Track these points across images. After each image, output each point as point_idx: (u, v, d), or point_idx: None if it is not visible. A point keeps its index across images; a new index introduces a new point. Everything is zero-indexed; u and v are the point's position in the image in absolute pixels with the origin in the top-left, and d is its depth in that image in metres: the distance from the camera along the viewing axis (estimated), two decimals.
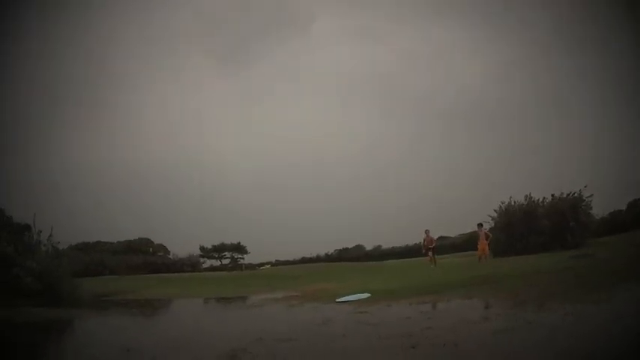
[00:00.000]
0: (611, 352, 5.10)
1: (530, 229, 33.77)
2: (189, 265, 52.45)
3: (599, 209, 37.49)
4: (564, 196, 35.35)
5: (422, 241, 31.48)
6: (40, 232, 21.30)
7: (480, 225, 28.55)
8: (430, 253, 30.27)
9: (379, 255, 57.58)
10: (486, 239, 26.33)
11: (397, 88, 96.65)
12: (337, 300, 14.11)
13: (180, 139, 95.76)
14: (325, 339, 8.10)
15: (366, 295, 14.03)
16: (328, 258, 59.89)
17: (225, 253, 71.13)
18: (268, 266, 54.24)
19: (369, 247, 66.65)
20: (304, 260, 57.57)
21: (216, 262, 68.79)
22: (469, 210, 74.47)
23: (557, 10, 78.07)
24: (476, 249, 33.76)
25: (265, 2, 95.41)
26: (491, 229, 29.68)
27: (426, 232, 30.88)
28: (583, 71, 77.11)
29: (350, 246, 67.09)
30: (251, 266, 60.07)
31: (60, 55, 79.37)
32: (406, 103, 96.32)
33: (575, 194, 34.92)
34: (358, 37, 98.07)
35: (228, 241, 70.40)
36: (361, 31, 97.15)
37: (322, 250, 64.30)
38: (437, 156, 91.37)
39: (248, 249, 71.01)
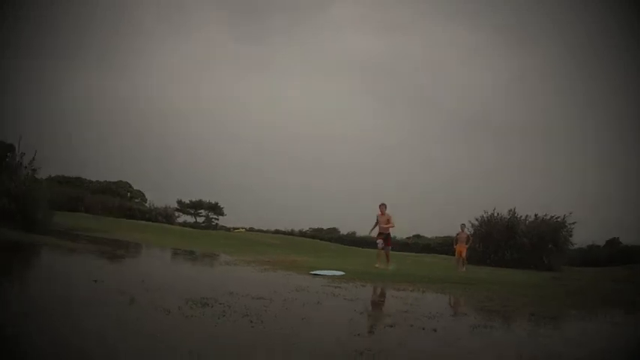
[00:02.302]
0: None
1: (509, 244, 33.89)
2: (163, 215, 52.11)
3: (578, 239, 37.51)
4: (548, 217, 35.45)
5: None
6: (23, 154, 20.99)
7: (463, 226, 27.06)
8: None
9: (352, 241, 57.46)
10: (466, 242, 25.54)
11: (404, 84, 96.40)
12: (311, 272, 13.86)
13: (176, 89, 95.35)
14: (298, 304, 7.94)
15: (340, 273, 13.82)
16: (302, 235, 59.77)
17: (202, 210, 71.12)
18: (243, 230, 54.08)
19: (343, 231, 66.71)
20: (278, 232, 57.44)
21: (190, 219, 68.62)
22: (450, 214, 74.52)
23: (568, 32, 78.30)
24: (450, 254, 33.75)
25: None
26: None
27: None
28: (592, 101, 77.43)
29: (325, 227, 67.16)
30: (225, 229, 59.99)
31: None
32: (410, 100, 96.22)
33: (559, 219, 35.01)
34: (373, 28, 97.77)
35: (206, 199, 70.44)
36: (377, 23, 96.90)
37: (297, 227, 64.21)
38: (430, 155, 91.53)
39: (225, 211, 71.04)
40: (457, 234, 26.04)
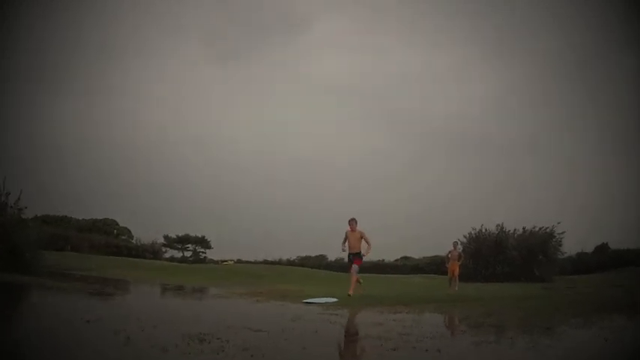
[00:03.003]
0: None
1: (498, 259, 33.97)
2: (151, 252, 51.97)
3: (567, 249, 37.76)
4: (536, 230, 35.59)
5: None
6: (8, 194, 20.88)
7: (455, 243, 26.80)
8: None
9: (341, 267, 57.31)
10: (458, 260, 25.35)
11: (391, 103, 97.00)
12: (304, 301, 13.85)
13: (160, 126, 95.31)
14: (297, 333, 7.86)
15: (333, 300, 13.88)
16: (289, 263, 59.58)
17: (189, 245, 71.15)
18: (231, 262, 53.92)
19: (331, 258, 66.67)
20: (266, 262, 57.30)
21: (178, 254, 68.56)
22: (436, 233, 74.62)
23: (562, 44, 79.04)
24: (439, 273, 33.70)
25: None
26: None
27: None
28: (582, 111, 78.09)
29: (312, 254, 67.09)
30: (213, 262, 59.90)
31: (53, 20, 78.83)
32: (396, 119, 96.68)
33: (548, 229, 35.16)
34: (357, 46, 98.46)
35: (192, 233, 70.38)
36: (361, 41, 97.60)
37: (284, 255, 64.08)
38: (414, 175, 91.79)
39: (211, 244, 71.00)
40: (449, 252, 25.77)
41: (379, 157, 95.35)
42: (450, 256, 25.43)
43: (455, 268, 24.64)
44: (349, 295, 15.60)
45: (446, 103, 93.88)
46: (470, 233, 37.14)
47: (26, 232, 19.84)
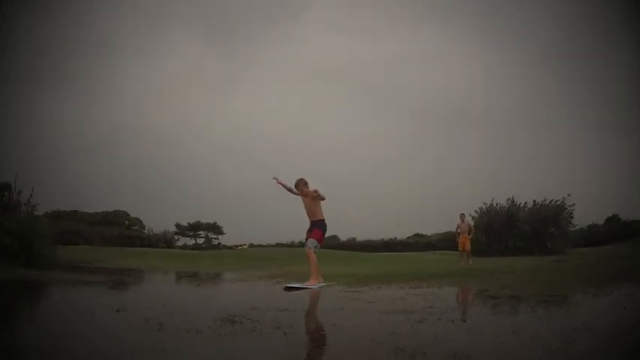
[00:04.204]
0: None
1: (510, 233, 34.07)
2: (163, 241, 52.25)
3: (578, 221, 37.81)
4: (547, 202, 35.68)
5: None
6: (20, 192, 21.11)
7: (462, 216, 26.72)
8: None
9: (353, 247, 57.54)
10: (469, 233, 25.28)
11: (386, 86, 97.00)
12: (286, 285, 12.72)
13: (163, 114, 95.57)
14: (323, 311, 8.05)
15: (319, 285, 12.65)
16: (302, 245, 59.60)
17: (201, 232, 71.54)
18: (245, 246, 54.04)
19: (343, 238, 66.79)
20: (279, 245, 57.41)
21: (190, 241, 68.78)
22: (447, 209, 74.62)
23: (560, 19, 78.78)
24: (452, 249, 33.76)
25: None
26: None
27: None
28: (581, 85, 77.94)
29: (325, 235, 67.24)
30: (226, 247, 59.98)
31: (53, 20, 78.84)
32: (395, 99, 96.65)
33: (558, 202, 35.24)
34: (350, 31, 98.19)
35: (204, 220, 70.50)
36: (354, 26, 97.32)
37: (297, 238, 64.29)
38: (420, 154, 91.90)
39: (224, 230, 71.10)
40: (457, 225, 25.84)
41: (382, 138, 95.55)
42: (459, 230, 25.44)
43: (465, 241, 24.66)
44: (310, 288, 12.05)
45: (445, 80, 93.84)
46: (481, 208, 37.25)
47: (40, 229, 20.08)
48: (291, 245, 57.61)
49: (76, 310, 9.20)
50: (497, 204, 37.00)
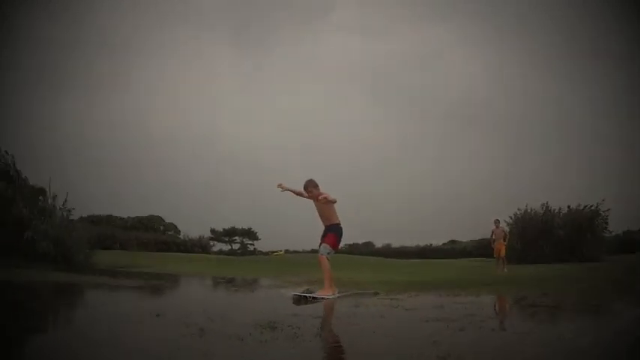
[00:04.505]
0: None
1: (545, 239, 33.82)
2: (199, 246, 52.76)
3: (613, 227, 37.39)
4: (581, 208, 35.41)
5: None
6: (55, 196, 21.46)
7: (497, 221, 26.42)
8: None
9: (388, 253, 57.50)
10: (504, 240, 25.05)
11: (409, 86, 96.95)
12: (294, 293, 12.21)
13: (197, 119, 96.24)
14: (363, 319, 8.03)
15: (329, 296, 11.74)
16: (337, 252, 59.64)
17: (236, 237, 71.81)
18: (282, 252, 54.11)
19: (378, 244, 66.83)
20: (314, 252, 57.43)
21: (225, 247, 69.16)
22: (481, 216, 74.36)
23: (571, 14, 78.18)
24: (487, 256, 33.58)
25: None
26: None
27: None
28: (617, 85, 77.05)
29: (360, 242, 67.23)
30: (262, 253, 60.16)
31: (78, 23, 79.98)
32: (423, 101, 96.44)
33: (593, 207, 34.96)
34: (372, 31, 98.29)
35: (239, 225, 70.72)
36: (375, 26, 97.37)
37: None
38: (451, 158, 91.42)
39: (258, 235, 71.30)
40: (492, 231, 25.65)
41: (413, 142, 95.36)
42: (493, 236, 25.26)
43: (500, 247, 24.40)
44: (326, 299, 11.21)
45: (475, 82, 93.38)
46: (515, 214, 37.06)
47: (76, 233, 20.39)
48: None
49: (115, 314, 9.24)
50: (531, 209, 36.83)
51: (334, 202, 11.79)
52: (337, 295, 11.69)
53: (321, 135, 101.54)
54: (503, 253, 24.49)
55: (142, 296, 13.07)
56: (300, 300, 11.19)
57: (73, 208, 22.39)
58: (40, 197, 22.14)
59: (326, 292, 11.53)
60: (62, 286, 14.18)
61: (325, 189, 11.80)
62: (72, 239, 20.37)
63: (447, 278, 16.97)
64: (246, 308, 10.44)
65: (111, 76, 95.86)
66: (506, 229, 29.42)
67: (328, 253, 11.85)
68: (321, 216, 12.13)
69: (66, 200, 21.83)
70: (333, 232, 11.98)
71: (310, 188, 11.92)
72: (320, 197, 11.57)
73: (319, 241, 12.14)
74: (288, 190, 12.55)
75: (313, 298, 11.27)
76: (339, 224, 12.15)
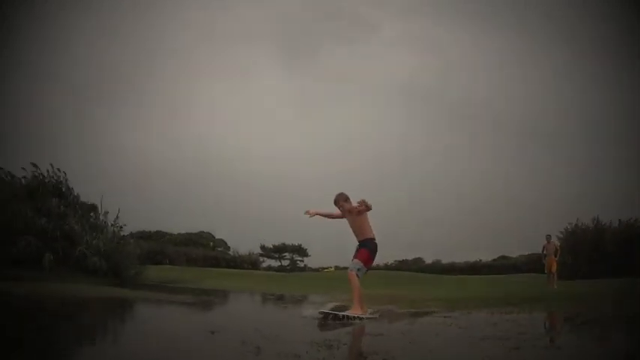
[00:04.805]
0: None
1: (596, 254, 33.36)
2: (249, 262, 53.07)
3: None
4: (632, 221, 34.92)
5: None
6: (107, 213, 21.90)
7: (549, 237, 26.38)
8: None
9: (438, 269, 57.23)
10: (555, 255, 24.88)
11: (458, 100, 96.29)
12: (321, 311, 11.39)
13: (247, 136, 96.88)
14: (418, 336, 8.04)
15: (366, 316, 10.97)
16: (387, 268, 59.59)
17: (286, 254, 71.77)
18: (332, 269, 54.04)
19: (428, 260, 66.54)
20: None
21: (275, 263, 69.39)
22: (530, 230, 73.46)
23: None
24: (537, 271, 33.26)
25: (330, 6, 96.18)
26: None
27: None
28: None
29: (409, 258, 67.03)
30: (312, 270, 60.22)
31: (128, 42, 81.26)
32: (466, 114, 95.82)
33: None
34: (419, 47, 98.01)
35: (289, 242, 70.87)
36: (423, 41, 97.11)
37: (381, 260, 64.16)
38: (502, 173, 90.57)
39: (308, 252, 71.33)
40: (544, 246, 25.49)
41: (458, 156, 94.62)
42: (545, 251, 25.10)
43: (552, 263, 24.25)
44: (356, 318, 10.36)
45: (517, 94, 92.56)
46: (566, 228, 36.69)
47: (127, 249, 20.78)
48: (376, 268, 57.69)
49: (171, 330, 9.42)
50: (582, 224, 36.46)
51: (370, 208, 10.87)
52: (368, 315, 10.87)
53: (367, 150, 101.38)
54: (554, 268, 24.33)
55: (193, 312, 13.25)
56: (327, 318, 10.62)
57: (125, 225, 22.83)
58: (92, 214, 22.57)
59: (356, 311, 10.60)
60: (113, 301, 14.43)
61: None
62: (123, 255, 20.74)
63: (499, 295, 16.78)
64: (299, 326, 10.38)
65: (158, 93, 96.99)
66: (557, 243, 29.21)
67: (359, 270, 10.83)
68: (354, 231, 11.19)
69: (117, 217, 22.26)
70: (366, 247, 11.02)
71: (342, 202, 11.16)
72: (355, 207, 10.88)
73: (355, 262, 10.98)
74: (318, 214, 11.56)
75: (343, 317, 10.53)
76: (374, 239, 11.18)
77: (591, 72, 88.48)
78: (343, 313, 10.57)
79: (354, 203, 11.01)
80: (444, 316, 10.81)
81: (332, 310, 11.29)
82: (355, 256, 10.92)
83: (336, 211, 11.33)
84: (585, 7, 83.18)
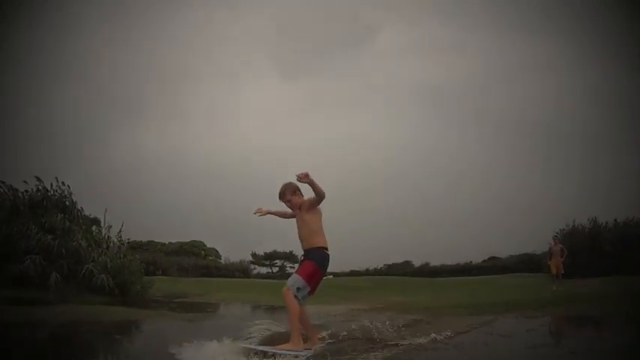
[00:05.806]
0: None
1: (595, 254, 33.40)
2: (240, 270, 52.84)
3: None
4: (630, 220, 35.04)
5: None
6: (110, 227, 21.55)
7: (556, 238, 26.79)
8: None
9: (428, 272, 57.15)
10: (561, 256, 24.90)
11: (461, 104, 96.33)
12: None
13: (236, 143, 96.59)
14: (470, 348, 7.92)
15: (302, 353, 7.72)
16: (377, 272, 59.49)
17: (277, 261, 71.66)
18: (331, 277, 53.68)
19: (417, 263, 66.44)
20: (353, 273, 57.27)
21: (264, 270, 69.36)
22: (523, 231, 73.57)
23: None
24: (529, 271, 33.36)
25: (332, 11, 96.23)
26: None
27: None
28: None
29: (398, 261, 66.89)
30: None
31: (133, 55, 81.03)
32: (474, 118, 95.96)
33: None
34: (419, 48, 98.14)
35: (280, 249, 70.86)
36: (424, 46, 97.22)
37: (371, 265, 64.06)
38: (492, 172, 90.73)
39: (299, 259, 71.25)
40: (550, 247, 25.56)
41: (458, 158, 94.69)
42: (552, 251, 25.13)
43: (558, 264, 24.26)
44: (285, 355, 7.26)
45: (527, 96, 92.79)
46: (562, 229, 36.75)
47: (135, 265, 20.49)
48: (366, 273, 57.57)
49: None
50: (579, 225, 36.55)
51: (322, 194, 7.91)
52: (308, 352, 7.62)
53: (366, 155, 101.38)
54: (561, 269, 24.36)
55: (202, 330, 13.01)
56: (250, 354, 7.43)
57: (129, 239, 22.56)
58: (94, 227, 22.27)
59: (292, 347, 7.44)
60: (122, 319, 14.10)
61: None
62: (129, 271, 20.43)
63: (521, 299, 16.64)
64: None
65: (160, 104, 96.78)
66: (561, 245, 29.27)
67: (298, 290, 7.62)
68: (301, 235, 8.22)
69: (121, 230, 21.97)
70: (312, 259, 7.95)
71: (289, 196, 8.24)
72: (306, 200, 8.15)
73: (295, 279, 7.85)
74: (269, 212, 8.72)
75: (271, 354, 7.36)
76: (325, 249, 8.15)
77: (589, 73, 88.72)
78: (273, 350, 7.41)
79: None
80: (479, 325, 10.61)
81: (262, 342, 8.84)
82: (296, 271, 7.96)
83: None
84: (582, 5, 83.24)
